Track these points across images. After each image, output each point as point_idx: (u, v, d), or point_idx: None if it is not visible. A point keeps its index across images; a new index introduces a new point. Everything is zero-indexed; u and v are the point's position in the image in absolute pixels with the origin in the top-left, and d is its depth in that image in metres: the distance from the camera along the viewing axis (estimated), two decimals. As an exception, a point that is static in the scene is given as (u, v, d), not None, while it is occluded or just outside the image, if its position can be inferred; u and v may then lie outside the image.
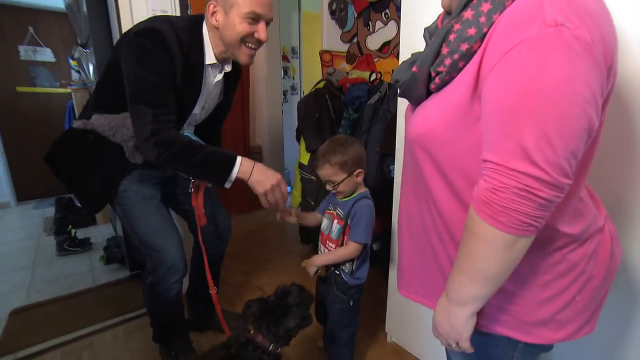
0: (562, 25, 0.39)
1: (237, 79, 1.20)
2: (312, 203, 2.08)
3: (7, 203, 3.23)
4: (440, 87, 0.52)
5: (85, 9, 1.69)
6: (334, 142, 1.09)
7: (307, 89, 3.35)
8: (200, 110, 1.10)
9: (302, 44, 3.46)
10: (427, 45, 0.59)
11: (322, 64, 2.29)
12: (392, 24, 1.92)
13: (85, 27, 1.94)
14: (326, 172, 1.09)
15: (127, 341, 1.45)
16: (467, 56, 0.47)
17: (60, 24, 3.26)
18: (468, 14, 0.47)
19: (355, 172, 1.09)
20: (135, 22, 1.43)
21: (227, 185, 0.95)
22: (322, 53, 2.27)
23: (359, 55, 2.12)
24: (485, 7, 0.45)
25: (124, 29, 1.43)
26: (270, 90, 2.97)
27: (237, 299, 1.77)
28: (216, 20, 0.93)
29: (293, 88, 3.59)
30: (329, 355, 1.26)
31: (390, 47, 1.95)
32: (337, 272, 1.15)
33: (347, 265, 1.14)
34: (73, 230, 2.28)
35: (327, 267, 1.16)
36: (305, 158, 2.05)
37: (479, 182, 0.45)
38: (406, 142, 0.60)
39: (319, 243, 1.22)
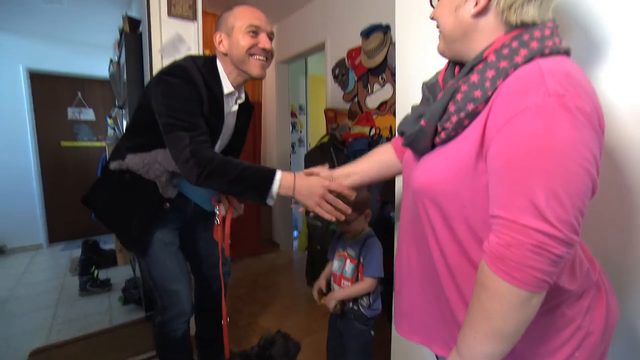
0: (563, 96, 0.42)
1: (248, 115, 1.24)
2: (318, 247, 2.17)
3: (40, 245, 3.49)
4: (445, 141, 0.55)
5: (125, 77, 2.02)
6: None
7: (312, 141, 3.68)
8: (220, 138, 1.14)
9: (309, 102, 3.83)
10: (424, 96, 0.65)
11: (326, 120, 2.49)
12: (388, 86, 2.15)
13: (123, 91, 2.29)
14: None
15: (137, 382, 1.53)
16: (473, 115, 0.51)
17: (102, 89, 3.76)
18: (474, 77, 0.51)
19: (365, 213, 1.23)
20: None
21: (270, 202, 0.90)
22: (327, 110, 2.50)
23: (360, 112, 2.31)
24: (490, 73, 0.50)
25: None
26: (280, 143, 3.26)
27: (245, 340, 1.82)
28: (223, 47, 1.01)
29: (300, 141, 3.87)
30: None
31: (387, 106, 2.14)
32: (356, 308, 1.24)
33: (364, 299, 1.24)
34: (96, 271, 2.44)
35: (343, 304, 1.26)
36: None
37: (489, 237, 0.47)
38: (409, 189, 0.62)
39: (332, 284, 1.32)
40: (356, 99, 2.37)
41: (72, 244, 3.53)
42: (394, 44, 1.83)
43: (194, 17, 1.73)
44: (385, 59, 2.09)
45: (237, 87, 1.10)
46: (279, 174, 0.88)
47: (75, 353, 1.73)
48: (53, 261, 3.13)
